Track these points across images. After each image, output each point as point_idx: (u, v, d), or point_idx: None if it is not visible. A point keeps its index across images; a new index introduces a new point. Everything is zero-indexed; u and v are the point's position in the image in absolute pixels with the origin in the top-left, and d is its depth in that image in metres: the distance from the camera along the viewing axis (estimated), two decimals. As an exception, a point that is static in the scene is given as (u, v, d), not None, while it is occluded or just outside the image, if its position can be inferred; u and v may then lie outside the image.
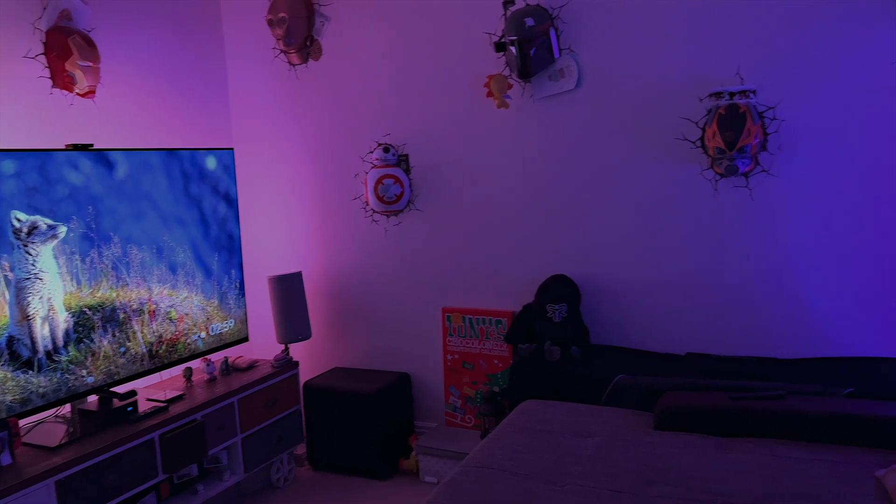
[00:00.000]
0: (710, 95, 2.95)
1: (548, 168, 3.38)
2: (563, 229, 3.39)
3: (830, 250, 2.93)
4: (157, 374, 3.29)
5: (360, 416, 3.55)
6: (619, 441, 2.50)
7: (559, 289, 3.29)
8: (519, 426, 2.70)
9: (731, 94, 2.90)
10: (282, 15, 3.71)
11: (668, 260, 3.20)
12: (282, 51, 3.87)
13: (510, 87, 3.30)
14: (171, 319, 3.16)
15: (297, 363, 3.64)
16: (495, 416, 3.34)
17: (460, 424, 3.65)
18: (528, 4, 3.23)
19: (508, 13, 3.23)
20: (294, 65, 3.89)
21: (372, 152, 3.70)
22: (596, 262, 3.35)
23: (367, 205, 3.75)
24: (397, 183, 3.60)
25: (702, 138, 3.02)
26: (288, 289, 3.68)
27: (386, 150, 3.62)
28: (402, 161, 3.68)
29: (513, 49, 3.16)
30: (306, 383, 3.72)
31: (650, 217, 3.21)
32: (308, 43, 3.80)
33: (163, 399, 3.04)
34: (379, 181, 3.61)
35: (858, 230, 2.88)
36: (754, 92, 2.90)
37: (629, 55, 3.15)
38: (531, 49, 3.14)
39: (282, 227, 4.07)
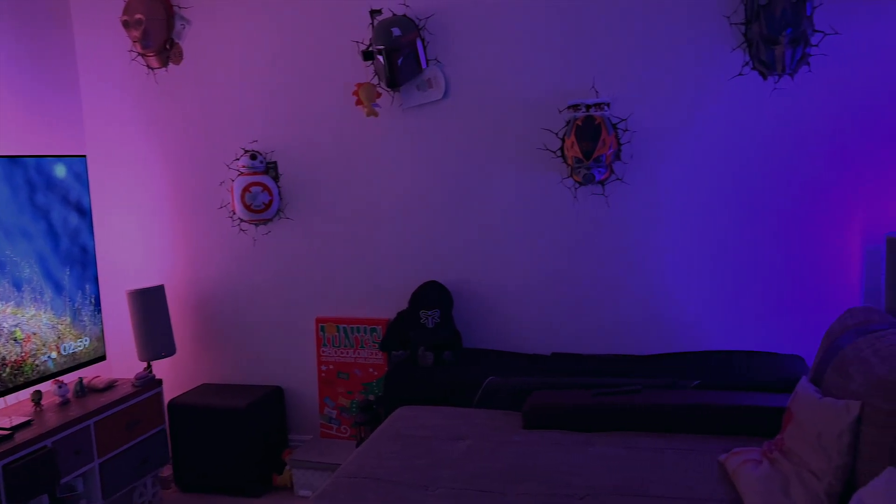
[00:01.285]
0: (569, 107, 3.10)
1: (419, 176, 3.42)
2: (435, 236, 3.44)
3: (681, 252, 3.15)
4: (1, 399, 3.03)
5: (231, 433, 3.43)
6: (488, 442, 2.57)
7: (432, 295, 3.34)
8: (392, 433, 2.70)
9: (588, 107, 3.06)
10: (138, 16, 3.54)
11: (534, 264, 3.33)
12: (139, 53, 3.69)
13: (379, 95, 3.31)
14: (15, 340, 2.92)
15: (160, 381, 3.47)
16: (371, 425, 3.33)
17: (336, 435, 3.61)
18: (394, 14, 3.26)
19: (375, 22, 3.24)
20: (153, 68, 3.71)
21: (238, 159, 3.59)
22: (467, 268, 3.42)
23: (234, 213, 3.64)
24: (265, 191, 3.52)
25: (562, 148, 3.16)
26: (149, 303, 3.50)
27: (253, 157, 3.53)
28: (271, 168, 3.60)
29: (380, 58, 3.18)
30: (171, 401, 3.55)
31: (516, 223, 3.33)
32: (168, 46, 3.64)
33: (6, 427, 2.80)
34: (246, 189, 3.51)
35: (706, 233, 3.11)
36: (608, 104, 3.07)
37: (493, 67, 3.25)
38: (399, 59, 3.17)
39: (142, 238, 3.86)
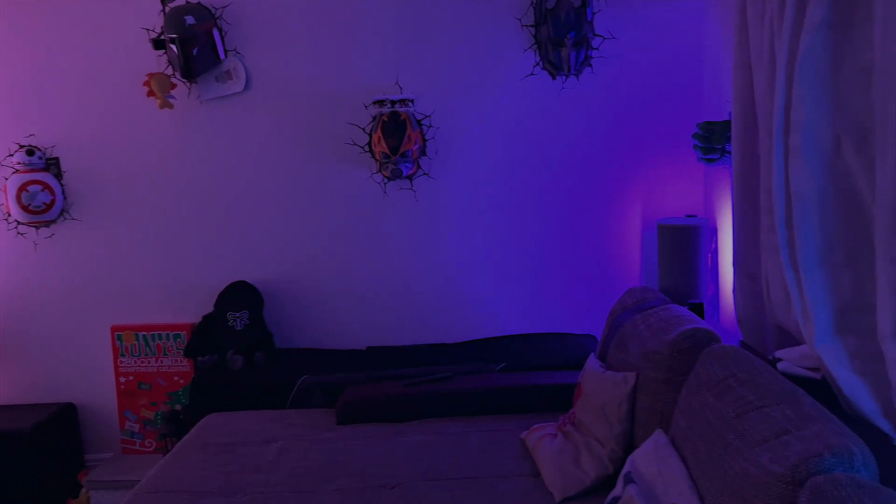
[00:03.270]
0: (374, 103, 3.12)
1: (222, 172, 3.27)
2: (242, 234, 3.31)
3: (483, 243, 3.29)
4: None
5: (13, 459, 3.08)
6: (302, 442, 2.53)
7: (240, 296, 3.22)
8: (198, 443, 2.58)
9: (393, 103, 3.10)
10: None
11: (346, 260, 3.32)
12: None
13: (174, 86, 3.13)
14: None
15: (-79, 408, 3.04)
16: (179, 437, 3.15)
17: (140, 451, 3.38)
18: (188, 2, 3.09)
19: (167, 9, 3.05)
20: None
21: (12, 155, 3.22)
22: (277, 266, 3.33)
23: (10, 216, 3.26)
24: (46, 190, 3.19)
25: (369, 143, 3.18)
26: None
27: (30, 152, 3.18)
28: (52, 165, 3.26)
29: (174, 47, 2.99)
30: (-63, 431, 3.12)
31: (326, 219, 3.29)
32: (-83, 25, 3.18)
33: None
34: (22, 188, 3.16)
35: (504, 224, 3.28)
36: (412, 101, 3.14)
37: (297, 60, 3.19)
38: (193, 48, 3.01)
39: None
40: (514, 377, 2.80)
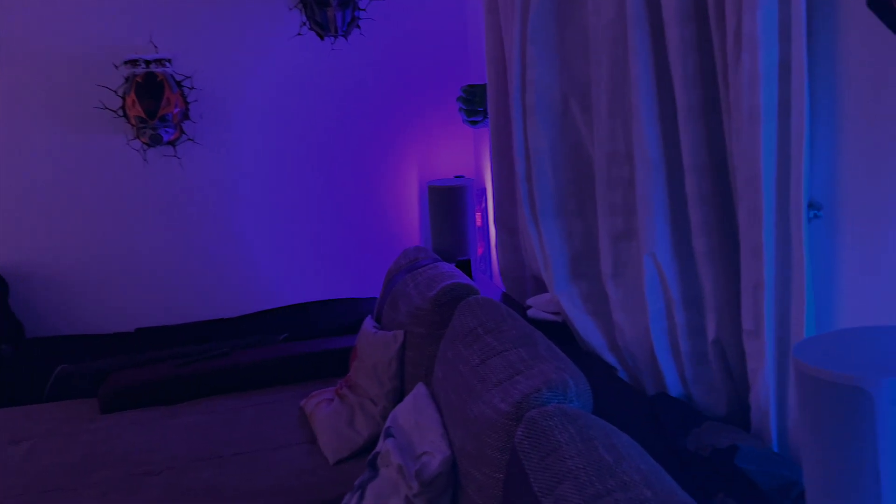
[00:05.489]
0: (126, 63, 2.86)
1: (-57, 142, 2.85)
2: (-24, 214, 2.92)
3: (258, 211, 3.18)
4: None
5: None
6: (57, 437, 2.31)
7: (-23, 283, 2.85)
8: (-76, 454, 2.26)
9: (148, 63, 2.86)
10: None
11: (107, 237, 3.05)
12: None
13: None
14: None
15: None
16: (-90, 448, 2.74)
17: None
18: None
19: None
20: None
21: None
22: (23, 248, 2.98)
23: None
24: None
25: (123, 107, 2.92)
26: None
27: None
28: None
29: None
30: None
31: (80, 193, 2.99)
32: None
33: None
34: None
35: (278, 190, 3.18)
36: (170, 60, 2.92)
37: (34, 16, 2.83)
38: None
39: None
40: (295, 346, 2.76)
